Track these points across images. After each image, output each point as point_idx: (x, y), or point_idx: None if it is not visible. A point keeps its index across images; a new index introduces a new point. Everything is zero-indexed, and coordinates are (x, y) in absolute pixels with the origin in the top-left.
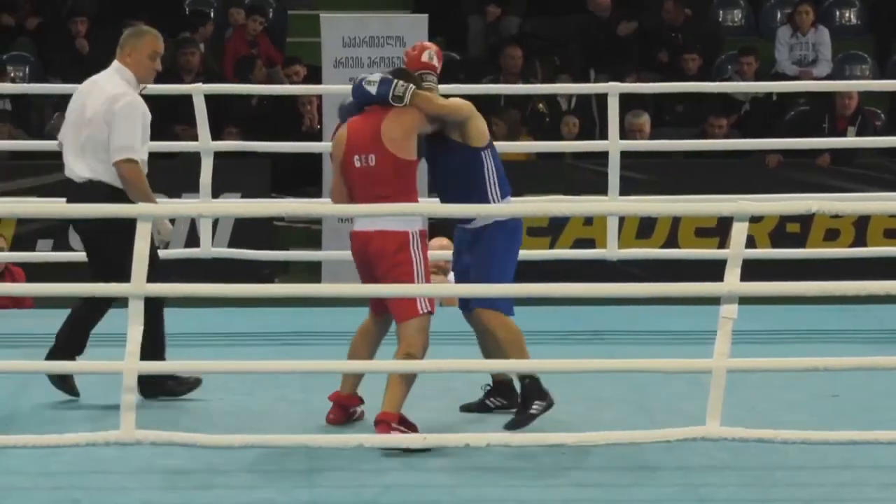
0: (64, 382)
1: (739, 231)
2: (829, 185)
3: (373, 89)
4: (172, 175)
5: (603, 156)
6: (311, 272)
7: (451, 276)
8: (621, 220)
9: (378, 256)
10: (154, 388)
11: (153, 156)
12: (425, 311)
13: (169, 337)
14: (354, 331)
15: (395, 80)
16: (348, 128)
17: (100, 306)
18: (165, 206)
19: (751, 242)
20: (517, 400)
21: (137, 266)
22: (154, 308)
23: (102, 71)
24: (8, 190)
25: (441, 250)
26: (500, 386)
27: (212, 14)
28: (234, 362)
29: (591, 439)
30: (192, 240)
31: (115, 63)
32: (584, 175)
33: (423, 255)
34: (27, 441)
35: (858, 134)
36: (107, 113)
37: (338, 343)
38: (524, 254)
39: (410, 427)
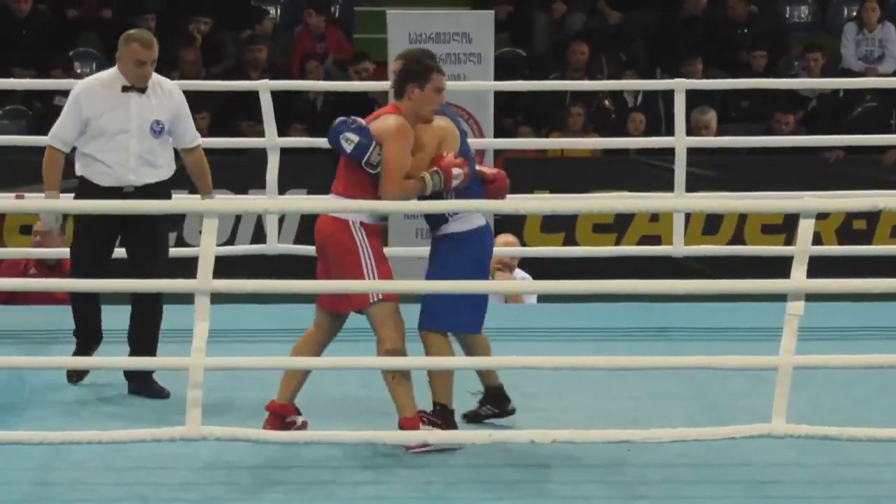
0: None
1: (806, 228)
2: None
3: (348, 147)
4: (239, 171)
5: (669, 152)
6: None
7: (518, 272)
8: (687, 216)
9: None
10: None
11: (217, 152)
12: (376, 300)
13: (235, 333)
14: (416, 327)
15: (373, 147)
16: None
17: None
18: (233, 202)
19: (817, 239)
20: (507, 407)
21: (204, 262)
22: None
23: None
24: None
25: (507, 247)
26: (490, 392)
27: (278, 11)
28: (298, 358)
29: (656, 436)
30: (259, 236)
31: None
32: (650, 172)
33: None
34: (92, 437)
35: None
36: None
37: None
38: (590, 250)
39: (444, 421)
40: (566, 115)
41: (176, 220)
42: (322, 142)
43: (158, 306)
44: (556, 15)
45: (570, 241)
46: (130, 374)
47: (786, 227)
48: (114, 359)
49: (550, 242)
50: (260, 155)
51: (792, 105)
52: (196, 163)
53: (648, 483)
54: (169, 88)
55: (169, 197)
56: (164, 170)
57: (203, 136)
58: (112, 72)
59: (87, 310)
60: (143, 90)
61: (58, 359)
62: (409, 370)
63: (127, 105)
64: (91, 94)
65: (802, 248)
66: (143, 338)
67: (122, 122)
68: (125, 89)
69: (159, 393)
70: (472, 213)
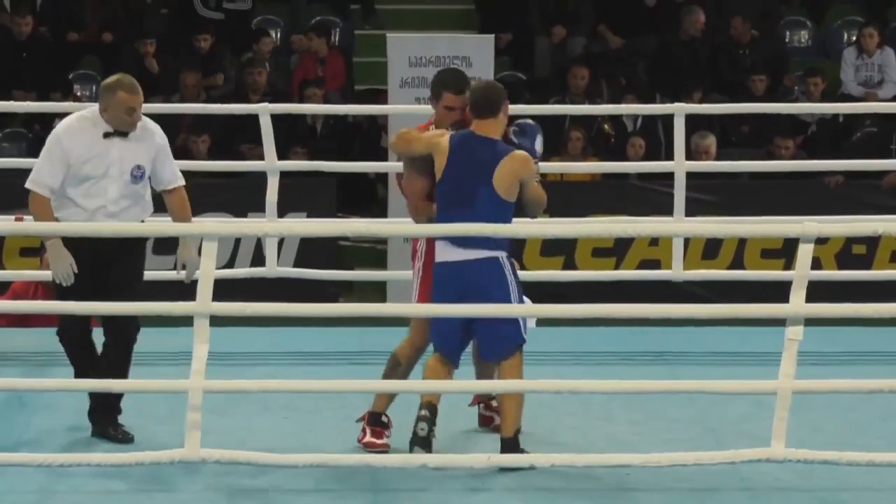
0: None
1: (805, 252)
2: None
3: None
4: (238, 194)
5: (669, 176)
6: (377, 292)
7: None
8: (687, 241)
9: None
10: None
11: (218, 174)
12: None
13: (235, 356)
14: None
15: None
16: None
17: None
18: (231, 225)
19: (816, 264)
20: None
21: (203, 285)
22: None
23: None
24: None
25: None
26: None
27: (278, 35)
28: (299, 381)
29: (656, 460)
30: (258, 259)
31: (97, 109)
32: (649, 196)
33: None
34: (92, 459)
35: None
36: None
37: None
38: (590, 274)
39: (379, 426)
40: (566, 140)
41: (172, 245)
42: (322, 165)
43: (131, 338)
44: (557, 39)
45: (570, 264)
46: (95, 417)
47: (785, 251)
48: (111, 382)
49: (550, 266)
50: (260, 178)
51: (792, 130)
52: (178, 205)
53: None
54: (152, 129)
55: (142, 239)
56: (140, 211)
57: (203, 158)
58: (91, 114)
59: (83, 346)
60: (125, 134)
61: (58, 381)
62: (403, 372)
63: (108, 151)
64: (73, 138)
65: (802, 272)
66: (113, 367)
67: (102, 167)
68: (107, 135)
69: (124, 437)
70: (444, 244)
